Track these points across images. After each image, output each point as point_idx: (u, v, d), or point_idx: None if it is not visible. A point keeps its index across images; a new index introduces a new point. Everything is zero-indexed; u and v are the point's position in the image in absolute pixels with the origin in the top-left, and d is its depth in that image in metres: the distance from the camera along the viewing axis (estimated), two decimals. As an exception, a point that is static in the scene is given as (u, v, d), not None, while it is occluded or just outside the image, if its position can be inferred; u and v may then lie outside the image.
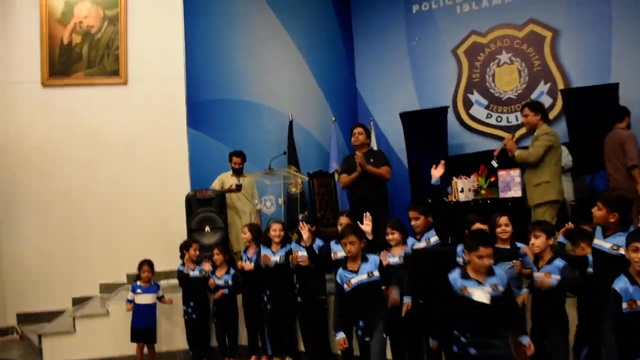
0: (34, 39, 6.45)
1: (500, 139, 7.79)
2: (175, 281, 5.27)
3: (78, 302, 6.00)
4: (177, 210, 6.00)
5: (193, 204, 5.89)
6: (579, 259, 3.63)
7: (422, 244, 4.18)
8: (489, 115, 8.26)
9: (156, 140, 6.49)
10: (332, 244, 4.56)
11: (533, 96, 7.88)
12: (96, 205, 6.34)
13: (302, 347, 4.92)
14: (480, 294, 3.18)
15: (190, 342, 5.13)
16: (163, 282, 5.57)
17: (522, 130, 6.98)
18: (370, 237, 4.14)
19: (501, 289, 3.21)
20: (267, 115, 7.92)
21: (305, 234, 4.38)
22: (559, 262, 3.46)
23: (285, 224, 5.09)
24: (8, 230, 6.23)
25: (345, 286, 3.82)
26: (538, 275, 3.49)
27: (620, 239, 3.17)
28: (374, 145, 8.13)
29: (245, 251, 5.12)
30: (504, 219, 4.05)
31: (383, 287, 4.04)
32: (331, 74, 9.07)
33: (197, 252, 5.16)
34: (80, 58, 6.60)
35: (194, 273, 5.08)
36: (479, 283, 3.20)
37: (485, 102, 8.28)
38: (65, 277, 6.16)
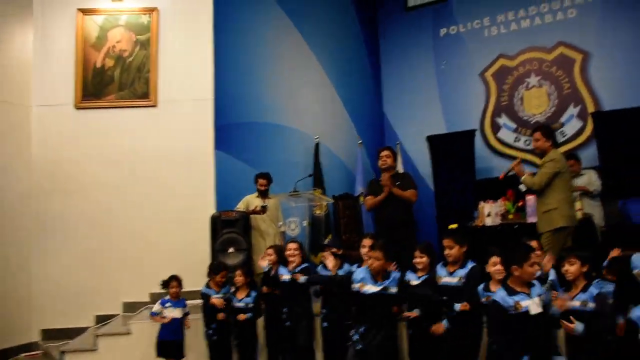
0: (69, 63, 6.63)
1: (530, 163, 7.70)
2: (197, 301, 5.27)
3: (101, 320, 6.03)
4: (202, 231, 6.02)
5: (218, 225, 5.91)
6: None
7: (454, 280, 4.03)
8: (517, 139, 8.16)
9: (183, 161, 6.55)
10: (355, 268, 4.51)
11: (562, 119, 7.79)
12: (122, 225, 6.41)
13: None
14: (535, 306, 3.15)
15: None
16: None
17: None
18: (334, 273, 4.24)
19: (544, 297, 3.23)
20: (294, 137, 7.95)
21: (330, 262, 4.35)
22: (595, 289, 3.36)
23: (302, 244, 5.09)
24: (37, 248, 6.34)
25: (356, 286, 3.94)
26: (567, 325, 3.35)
27: None
28: (400, 169, 8.08)
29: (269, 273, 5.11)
30: (533, 243, 3.99)
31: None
32: (358, 96, 9.11)
33: (223, 279, 5.16)
34: (112, 81, 6.76)
35: (217, 295, 5.08)
36: (528, 295, 3.18)
37: (514, 126, 8.19)
38: (89, 295, 6.21)
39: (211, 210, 6.26)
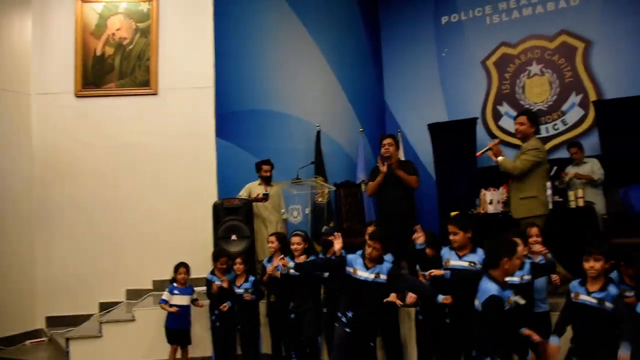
0: (69, 51, 6.61)
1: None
2: (202, 288, 5.29)
3: (105, 307, 6.09)
4: (204, 219, 6.03)
5: (220, 212, 5.92)
6: None
7: (463, 263, 3.98)
8: (519, 127, 8.13)
9: (185, 150, 6.56)
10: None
11: (564, 108, 7.77)
12: (126, 213, 6.43)
13: (325, 358, 4.89)
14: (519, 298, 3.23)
15: (215, 350, 5.12)
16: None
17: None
18: (339, 254, 4.14)
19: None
20: (295, 125, 7.95)
21: (337, 244, 4.35)
22: (613, 289, 3.35)
23: (306, 235, 5.07)
24: (41, 235, 6.37)
25: (350, 270, 3.94)
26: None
27: None
28: (401, 156, 8.07)
29: (269, 260, 5.11)
30: (534, 230, 4.08)
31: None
32: (359, 84, 9.10)
33: (224, 266, 5.17)
34: (113, 69, 6.74)
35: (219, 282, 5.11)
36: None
37: (515, 114, 8.14)
38: (93, 282, 6.26)
39: (213, 197, 6.28)
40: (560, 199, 6.00)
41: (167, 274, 5.17)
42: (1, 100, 6.29)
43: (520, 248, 3.70)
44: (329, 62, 8.57)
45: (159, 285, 6.06)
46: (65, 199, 6.42)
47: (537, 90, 8.03)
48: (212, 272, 5.15)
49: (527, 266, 3.81)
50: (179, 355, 5.06)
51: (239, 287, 5.02)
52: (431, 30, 9.02)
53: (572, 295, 3.47)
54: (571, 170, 6.57)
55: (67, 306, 6.20)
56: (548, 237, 4.70)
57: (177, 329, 4.99)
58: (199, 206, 6.29)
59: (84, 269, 6.28)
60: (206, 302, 5.19)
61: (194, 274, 5.28)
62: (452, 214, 6.44)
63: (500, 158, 4.91)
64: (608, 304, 3.28)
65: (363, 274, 3.92)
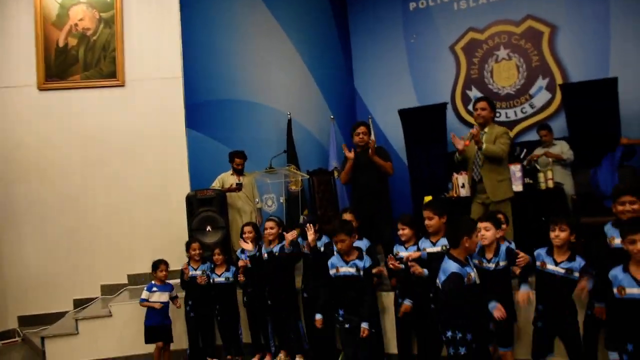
0: (29, 42, 6.39)
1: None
2: (177, 280, 5.24)
3: (80, 303, 5.96)
4: (178, 211, 5.98)
5: (194, 204, 5.86)
6: None
7: (437, 249, 4.05)
8: (488, 111, 8.24)
9: (155, 142, 6.45)
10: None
11: (531, 91, 7.91)
12: (96, 208, 6.30)
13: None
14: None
15: (190, 341, 5.08)
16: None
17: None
18: (312, 245, 4.28)
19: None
20: (266, 114, 7.90)
21: (310, 235, 4.36)
22: (580, 261, 3.41)
23: (281, 220, 5.08)
24: (8, 233, 6.19)
25: (333, 271, 4.06)
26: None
27: None
28: (372, 142, 8.11)
29: (243, 251, 5.09)
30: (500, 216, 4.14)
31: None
32: (329, 71, 9.08)
33: (197, 252, 5.14)
34: (77, 61, 6.55)
35: (195, 272, 5.07)
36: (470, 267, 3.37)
37: (484, 98, 8.27)
38: (66, 279, 6.12)
39: (186, 189, 6.20)
40: (531, 181, 6.12)
41: (143, 268, 5.13)
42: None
43: (492, 232, 3.77)
44: (298, 50, 8.53)
45: (134, 279, 6.00)
46: (32, 196, 6.24)
47: (505, 74, 8.14)
48: (188, 263, 5.13)
49: (502, 251, 3.79)
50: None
51: (219, 276, 5.00)
52: (399, 16, 9.04)
53: (539, 263, 3.55)
54: (540, 152, 6.71)
55: (40, 304, 6.06)
56: (520, 218, 4.91)
57: (158, 325, 4.92)
58: (172, 198, 6.23)
59: (56, 266, 6.14)
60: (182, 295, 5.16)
61: (170, 267, 5.23)
62: (426, 198, 6.52)
63: (485, 145, 4.98)
64: (576, 274, 3.36)
65: (343, 269, 4.03)
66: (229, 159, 6.48)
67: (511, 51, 8.11)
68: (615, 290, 2.98)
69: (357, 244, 4.30)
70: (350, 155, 5.39)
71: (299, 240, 4.78)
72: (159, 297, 4.95)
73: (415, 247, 4.16)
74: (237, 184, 6.33)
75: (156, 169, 6.42)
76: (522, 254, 3.70)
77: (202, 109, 7.05)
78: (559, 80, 7.70)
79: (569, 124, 7.08)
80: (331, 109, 8.88)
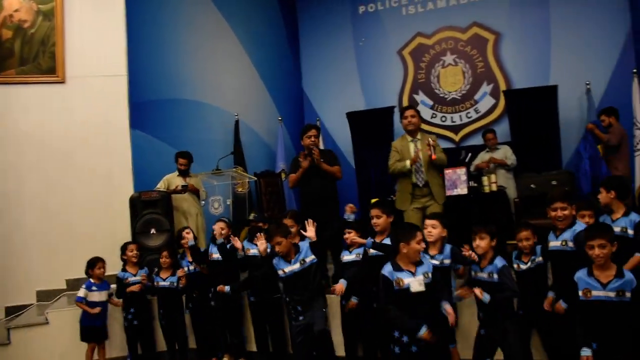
0: (-42, 33, 6.06)
1: (446, 138, 8.00)
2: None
3: (12, 311, 5.65)
4: (121, 213, 5.84)
5: (138, 206, 5.72)
6: None
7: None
8: (434, 115, 8.42)
9: (97, 142, 6.21)
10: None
11: (476, 97, 8.10)
12: (32, 211, 5.99)
13: (253, 347, 4.86)
14: (417, 284, 3.31)
15: (131, 349, 4.95)
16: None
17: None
18: (314, 240, 4.21)
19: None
20: (213, 114, 7.75)
21: (261, 245, 4.30)
22: (499, 262, 3.54)
23: (230, 221, 5.04)
24: None
25: (280, 272, 4.11)
26: (476, 291, 3.52)
27: None
28: (321, 145, 8.09)
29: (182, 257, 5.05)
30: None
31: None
32: (277, 73, 9.02)
33: (135, 253, 5.00)
34: (12, 54, 6.24)
35: (135, 278, 4.93)
36: (412, 273, 3.34)
37: (431, 103, 8.43)
38: (-3, 286, 5.81)
39: (130, 191, 6.03)
40: (475, 184, 6.27)
41: (82, 273, 4.91)
42: None
43: (438, 230, 3.85)
44: (247, 51, 8.42)
45: (73, 284, 5.73)
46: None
47: (451, 79, 8.31)
48: (124, 269, 5.00)
49: (447, 250, 3.89)
50: (96, 355, 4.86)
51: (164, 280, 4.89)
52: (348, 19, 9.07)
53: (473, 273, 3.70)
54: (485, 156, 6.88)
55: (-32, 313, 5.72)
56: (464, 220, 4.99)
57: (94, 325, 4.80)
58: (114, 200, 6.04)
59: (-13, 272, 5.81)
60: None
61: (111, 271, 5.07)
62: (372, 200, 6.55)
63: (439, 155, 5.13)
64: (496, 276, 3.51)
65: (288, 269, 4.07)
66: (175, 159, 6.32)
67: (457, 57, 8.28)
68: (580, 292, 3.09)
69: (301, 244, 4.34)
70: (305, 164, 5.36)
71: (245, 242, 4.74)
72: (99, 297, 4.84)
73: (361, 250, 4.21)
74: (182, 185, 6.20)
75: (98, 169, 6.18)
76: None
77: (148, 109, 6.84)
78: (502, 86, 7.92)
79: (512, 129, 7.29)
80: (279, 111, 8.82)
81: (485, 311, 3.58)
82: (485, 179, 6.23)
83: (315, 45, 9.39)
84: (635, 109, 6.65)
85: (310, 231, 4.21)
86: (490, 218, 5.77)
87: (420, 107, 8.44)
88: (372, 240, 4.07)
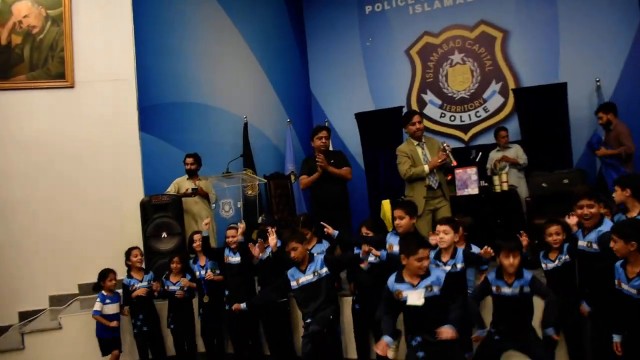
0: (-31, 40, 6.08)
1: (455, 137, 7.96)
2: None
3: (26, 316, 5.65)
4: (131, 217, 5.80)
5: (148, 209, 5.70)
6: None
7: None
8: (443, 115, 8.39)
9: (107, 146, 6.20)
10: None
11: (485, 95, 8.06)
12: (43, 215, 5.98)
13: (267, 351, 4.84)
14: (415, 298, 3.28)
15: (142, 355, 4.94)
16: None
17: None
18: (274, 249, 4.26)
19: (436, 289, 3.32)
20: (222, 117, 7.74)
21: (272, 240, 4.29)
22: (527, 274, 3.55)
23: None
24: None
25: (294, 283, 4.06)
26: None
27: None
28: (330, 147, 8.08)
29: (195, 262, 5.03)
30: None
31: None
32: (285, 75, 9.02)
33: (139, 258, 5.00)
34: (22, 60, 6.25)
35: (141, 284, 4.92)
36: (413, 286, 3.32)
37: (439, 102, 8.40)
38: (9, 291, 5.75)
39: (140, 195, 6.01)
40: (486, 184, 6.22)
41: (95, 277, 4.90)
42: None
43: (450, 236, 3.83)
44: (255, 53, 8.42)
45: (86, 289, 5.71)
46: (-25, 202, 5.90)
47: (459, 78, 8.28)
48: (129, 275, 4.98)
49: (459, 254, 3.85)
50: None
51: (174, 284, 4.87)
52: (355, 19, 9.06)
53: (494, 288, 3.63)
54: (496, 155, 6.83)
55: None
56: (475, 219, 5.19)
57: (111, 338, 4.78)
58: (124, 204, 6.02)
59: (0, 277, 5.80)
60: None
61: (122, 276, 5.05)
62: (384, 202, 6.54)
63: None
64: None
65: (302, 279, 4.04)
66: (184, 162, 6.33)
67: (465, 55, 8.25)
68: (616, 281, 3.16)
69: (317, 247, 4.40)
70: (320, 169, 5.34)
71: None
72: (113, 309, 4.81)
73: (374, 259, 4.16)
74: (192, 189, 6.19)
75: (108, 173, 6.17)
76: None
77: (156, 112, 6.84)
78: (511, 84, 7.88)
79: (522, 127, 7.25)
80: (288, 113, 8.81)
81: (501, 325, 3.57)
82: (496, 179, 6.17)
83: (323, 47, 9.39)
84: (646, 105, 6.60)
85: (329, 228, 4.28)
86: (501, 217, 5.79)
87: (428, 107, 8.45)
88: (386, 252, 4.02)
